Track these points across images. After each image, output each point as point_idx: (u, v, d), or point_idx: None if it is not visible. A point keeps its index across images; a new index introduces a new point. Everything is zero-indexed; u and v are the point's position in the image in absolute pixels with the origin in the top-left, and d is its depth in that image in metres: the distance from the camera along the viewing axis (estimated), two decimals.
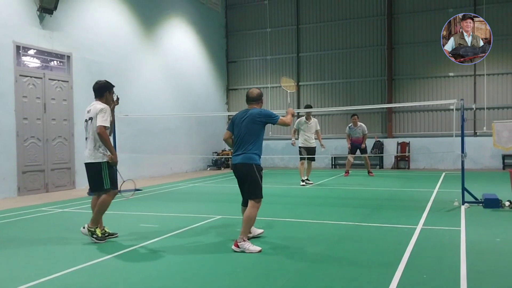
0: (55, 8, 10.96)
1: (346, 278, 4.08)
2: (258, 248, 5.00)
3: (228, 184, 12.29)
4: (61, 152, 11.34)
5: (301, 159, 11.79)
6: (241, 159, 5.23)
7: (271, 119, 5.30)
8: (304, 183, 11.59)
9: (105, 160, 5.54)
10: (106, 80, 5.97)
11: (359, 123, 13.59)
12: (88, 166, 5.62)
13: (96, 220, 5.58)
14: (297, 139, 12.02)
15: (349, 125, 13.81)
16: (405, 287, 3.77)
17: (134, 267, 4.54)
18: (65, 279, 4.20)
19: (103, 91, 5.81)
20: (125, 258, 4.89)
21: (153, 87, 15.04)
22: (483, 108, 16.02)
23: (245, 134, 5.24)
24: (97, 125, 5.44)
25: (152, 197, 10.06)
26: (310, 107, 12.36)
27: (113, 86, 5.97)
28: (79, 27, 12.02)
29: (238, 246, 5.01)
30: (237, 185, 5.45)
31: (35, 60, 11.00)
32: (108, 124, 5.52)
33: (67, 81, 11.61)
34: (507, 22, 15.79)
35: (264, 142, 18.41)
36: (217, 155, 18.05)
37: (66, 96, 11.53)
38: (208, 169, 17.68)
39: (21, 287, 3.97)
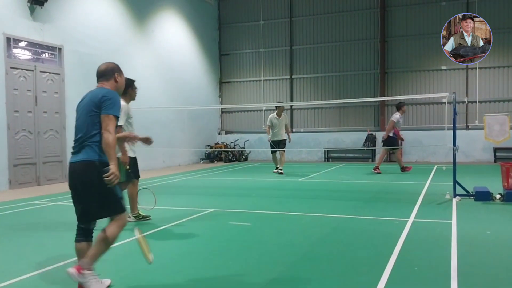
0: (46, 0, 10.84)
1: (337, 270, 4.11)
2: (107, 282, 3.75)
3: (221, 177, 12.25)
4: (52, 145, 11.27)
5: (273, 152, 12.87)
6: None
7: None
8: (276, 171, 12.62)
9: None
10: None
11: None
12: None
13: None
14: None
15: (398, 116, 12.31)
16: (396, 279, 3.80)
17: (125, 260, 4.54)
18: (56, 273, 4.20)
19: None
20: (118, 251, 4.88)
21: (145, 80, 14.93)
22: (475, 102, 16.11)
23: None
24: None
25: (145, 190, 10.01)
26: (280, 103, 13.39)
27: None
28: (70, 19, 11.91)
29: (80, 274, 3.46)
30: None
31: (26, 52, 10.88)
32: None
33: (59, 74, 11.52)
34: (500, 15, 15.83)
35: (257, 135, 18.80)
36: (210, 148, 18.03)
37: (57, 89, 11.44)
38: (201, 162, 17.65)
39: (12, 281, 3.95)
